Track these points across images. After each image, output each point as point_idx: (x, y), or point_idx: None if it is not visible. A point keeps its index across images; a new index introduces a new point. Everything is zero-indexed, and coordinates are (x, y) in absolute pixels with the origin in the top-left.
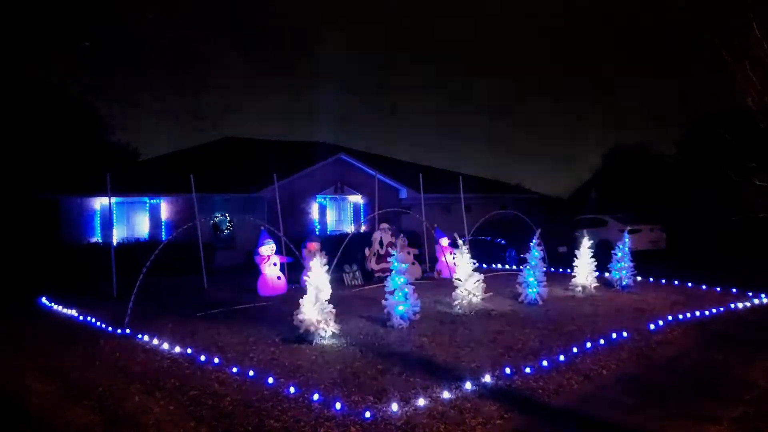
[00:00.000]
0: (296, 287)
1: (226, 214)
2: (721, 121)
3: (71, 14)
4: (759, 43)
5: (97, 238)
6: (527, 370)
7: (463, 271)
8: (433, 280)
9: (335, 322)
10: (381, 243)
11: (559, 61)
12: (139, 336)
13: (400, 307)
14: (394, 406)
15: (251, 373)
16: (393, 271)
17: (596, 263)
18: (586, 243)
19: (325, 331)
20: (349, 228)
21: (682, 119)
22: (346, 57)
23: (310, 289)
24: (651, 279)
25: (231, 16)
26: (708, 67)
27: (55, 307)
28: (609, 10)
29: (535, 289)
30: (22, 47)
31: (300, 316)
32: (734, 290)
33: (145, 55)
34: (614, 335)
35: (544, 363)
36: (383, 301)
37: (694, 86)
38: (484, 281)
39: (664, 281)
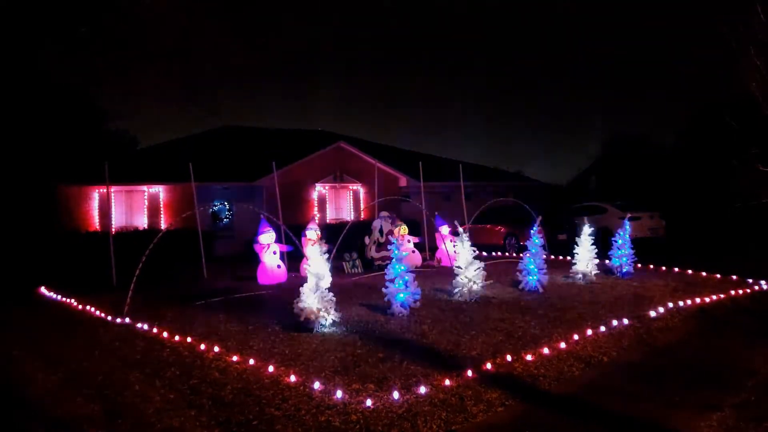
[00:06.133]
0: (296, 275)
1: (226, 203)
2: (723, 108)
3: (69, 2)
4: (764, 29)
5: (95, 226)
6: (528, 357)
7: (464, 259)
8: (433, 268)
9: (335, 310)
10: (381, 231)
11: (560, 48)
12: (139, 325)
13: (401, 295)
14: (396, 394)
15: (251, 361)
16: (393, 259)
17: (596, 250)
18: (586, 230)
19: (326, 319)
20: (349, 216)
21: (684, 107)
22: (345, 44)
23: (310, 278)
24: (651, 266)
25: (230, 4)
26: (712, 54)
27: (55, 296)
28: None
29: (535, 277)
30: (21, 36)
31: (300, 305)
32: (734, 277)
33: (143, 43)
34: (615, 322)
35: (545, 350)
36: (383, 289)
37: (696, 74)
38: (484, 269)
39: (664, 268)
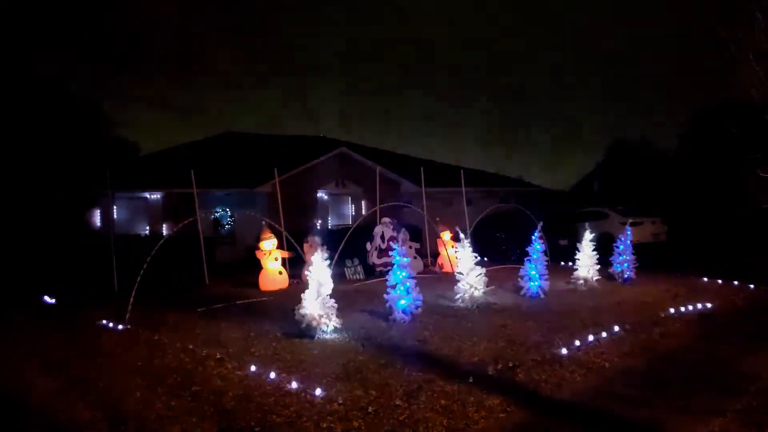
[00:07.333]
0: (298, 282)
1: (227, 209)
2: (724, 113)
3: (72, 9)
4: (763, 34)
5: (97, 233)
6: (530, 363)
7: (465, 265)
8: (435, 274)
9: (337, 316)
10: (382, 237)
11: (561, 52)
12: (141, 331)
13: (402, 301)
14: (397, 401)
15: (253, 368)
16: (395, 266)
17: (598, 256)
18: (587, 236)
19: (327, 326)
20: (351, 222)
21: (685, 112)
22: (346, 50)
23: (311, 284)
24: (653, 271)
25: (231, 10)
26: (712, 59)
27: (57, 302)
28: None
29: (537, 283)
30: (24, 43)
31: (302, 311)
32: (736, 282)
33: (145, 51)
34: (616, 328)
35: (547, 356)
36: (385, 295)
37: (697, 78)
38: (486, 275)
39: (665, 274)
